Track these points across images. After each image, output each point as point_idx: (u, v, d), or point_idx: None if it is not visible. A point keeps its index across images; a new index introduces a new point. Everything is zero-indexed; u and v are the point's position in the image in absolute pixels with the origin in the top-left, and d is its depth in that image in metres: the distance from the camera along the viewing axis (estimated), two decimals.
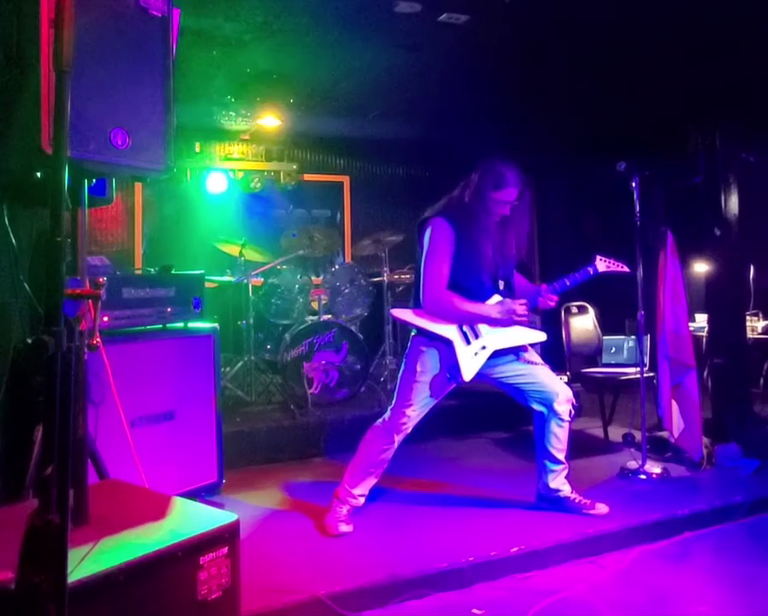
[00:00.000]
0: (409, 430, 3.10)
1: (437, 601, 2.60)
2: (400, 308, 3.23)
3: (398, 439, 3.09)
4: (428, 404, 3.10)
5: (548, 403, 3.17)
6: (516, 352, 3.19)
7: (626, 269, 3.44)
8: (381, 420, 3.15)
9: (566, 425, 3.21)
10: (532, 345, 3.28)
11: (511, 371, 3.19)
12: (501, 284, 3.17)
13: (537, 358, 3.27)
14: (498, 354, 3.12)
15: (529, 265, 3.25)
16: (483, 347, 3.08)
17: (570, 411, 3.21)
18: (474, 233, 3.03)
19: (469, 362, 3.05)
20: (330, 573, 2.63)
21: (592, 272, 3.31)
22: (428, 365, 3.07)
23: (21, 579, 1.17)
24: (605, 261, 3.36)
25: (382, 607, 2.53)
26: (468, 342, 3.06)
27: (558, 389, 3.18)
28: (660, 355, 4.06)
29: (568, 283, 3.24)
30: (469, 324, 3.08)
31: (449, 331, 3.05)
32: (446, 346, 3.05)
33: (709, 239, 4.55)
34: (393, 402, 3.14)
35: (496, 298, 3.12)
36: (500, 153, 3.11)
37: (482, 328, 3.09)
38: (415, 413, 3.08)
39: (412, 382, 3.08)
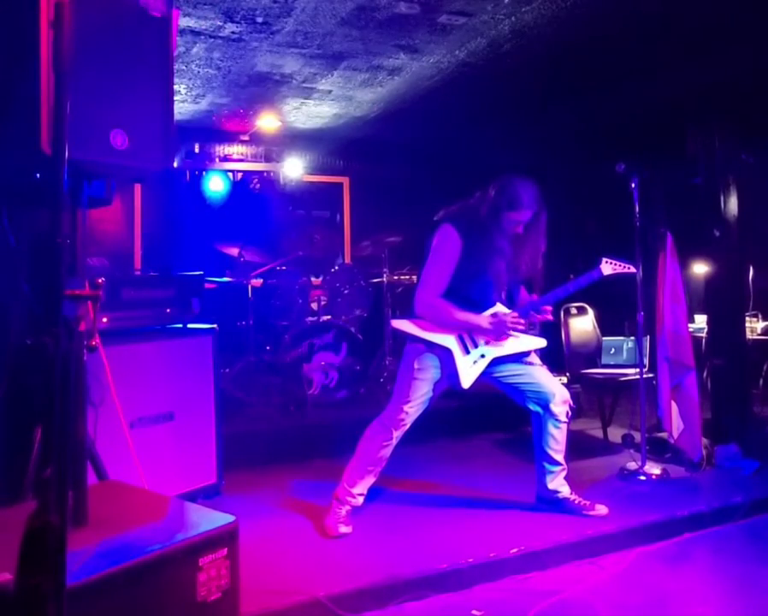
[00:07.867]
0: (407, 426, 3.10)
1: (437, 602, 2.59)
2: (400, 319, 3.23)
3: (396, 434, 3.09)
4: (425, 400, 3.11)
5: (544, 404, 3.17)
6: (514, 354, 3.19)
7: (633, 269, 3.24)
8: (379, 417, 3.15)
9: (563, 426, 3.21)
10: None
11: (508, 371, 3.19)
12: (503, 295, 3.17)
13: (536, 359, 3.27)
14: (497, 361, 3.12)
15: (538, 279, 3.19)
16: (482, 356, 3.09)
17: (567, 413, 3.20)
18: (485, 249, 3.00)
19: (468, 370, 3.05)
20: (330, 574, 2.63)
21: (597, 277, 3.15)
22: (426, 363, 3.07)
23: (20, 581, 1.16)
24: (611, 263, 3.15)
25: (382, 608, 2.53)
26: (467, 351, 3.07)
27: (555, 390, 3.17)
28: (660, 356, 4.05)
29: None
30: (468, 333, 3.08)
31: (448, 340, 3.05)
32: (445, 353, 3.06)
33: (709, 239, 4.55)
34: (391, 399, 3.15)
35: (493, 308, 3.11)
36: (516, 171, 3.05)
37: (481, 337, 3.09)
38: (413, 409, 3.08)
39: (410, 379, 3.08)
